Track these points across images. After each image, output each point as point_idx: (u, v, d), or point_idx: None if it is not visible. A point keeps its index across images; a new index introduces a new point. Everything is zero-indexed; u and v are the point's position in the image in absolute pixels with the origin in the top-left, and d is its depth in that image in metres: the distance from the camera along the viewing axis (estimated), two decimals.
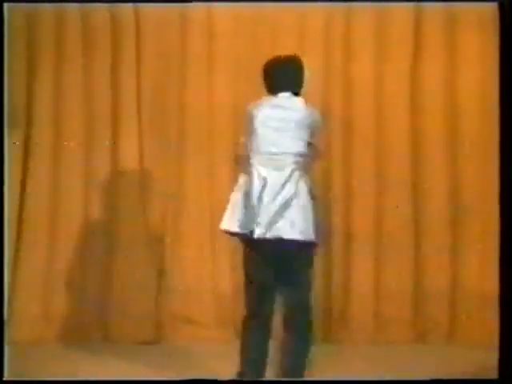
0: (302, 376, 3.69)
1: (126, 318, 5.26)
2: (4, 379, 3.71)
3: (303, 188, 3.62)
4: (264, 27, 5.34)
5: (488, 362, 3.85)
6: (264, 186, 3.57)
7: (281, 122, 3.64)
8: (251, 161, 3.65)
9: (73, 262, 5.30)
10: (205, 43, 5.35)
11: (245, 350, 3.70)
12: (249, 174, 3.64)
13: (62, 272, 5.29)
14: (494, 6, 4.64)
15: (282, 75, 3.76)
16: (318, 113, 3.83)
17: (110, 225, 5.34)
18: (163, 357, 4.91)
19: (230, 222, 3.66)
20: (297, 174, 3.62)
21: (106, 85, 5.33)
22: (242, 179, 3.70)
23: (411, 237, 5.41)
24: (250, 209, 3.59)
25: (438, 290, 5.36)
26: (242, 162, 3.74)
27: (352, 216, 5.39)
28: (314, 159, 3.79)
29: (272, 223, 3.55)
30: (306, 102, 3.76)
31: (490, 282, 4.98)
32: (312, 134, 3.71)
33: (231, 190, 5.37)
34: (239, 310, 3.95)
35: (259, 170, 3.61)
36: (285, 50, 5.23)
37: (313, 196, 3.66)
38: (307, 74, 3.81)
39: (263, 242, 3.57)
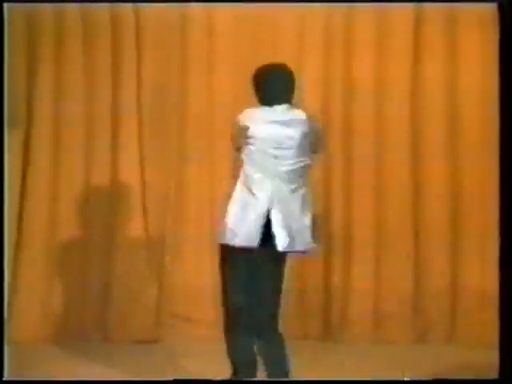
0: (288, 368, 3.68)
1: (125, 318, 5.26)
2: (4, 379, 3.71)
3: (307, 198, 3.61)
4: (264, 27, 5.34)
5: (488, 361, 3.86)
6: (271, 200, 3.54)
7: (283, 138, 3.55)
8: (250, 174, 3.56)
9: (73, 262, 5.30)
10: (205, 43, 5.35)
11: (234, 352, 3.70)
12: (248, 187, 3.56)
13: (62, 272, 5.30)
14: (494, 6, 4.65)
15: (278, 86, 3.63)
16: (317, 120, 3.80)
17: (110, 225, 5.34)
18: (163, 356, 4.91)
19: (233, 235, 3.54)
20: (301, 184, 3.59)
21: (106, 85, 5.33)
22: (239, 192, 3.59)
23: (411, 237, 5.41)
24: (255, 222, 3.54)
25: (437, 290, 5.36)
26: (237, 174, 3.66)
27: (352, 216, 5.39)
28: (314, 162, 3.76)
29: (288, 236, 3.53)
30: (304, 110, 3.64)
31: (490, 282, 4.98)
32: (313, 143, 3.64)
33: (231, 189, 5.39)
34: None
35: (261, 183, 3.55)
36: (285, 49, 5.28)
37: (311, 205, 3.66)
38: (297, 82, 3.70)
39: (252, 251, 3.54)
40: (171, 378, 4.06)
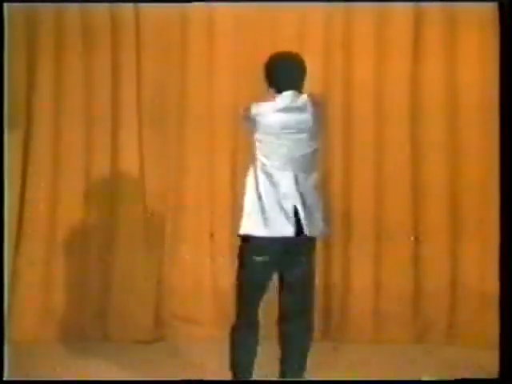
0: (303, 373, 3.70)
1: (125, 317, 5.26)
2: (4, 379, 3.71)
3: (318, 182, 3.66)
4: (264, 27, 5.33)
5: (488, 361, 3.86)
6: (291, 187, 3.57)
7: (295, 124, 3.59)
8: (265, 163, 3.58)
9: (72, 261, 5.30)
10: (205, 43, 5.35)
11: (237, 353, 3.71)
12: (268, 176, 3.57)
13: (62, 271, 5.30)
14: (494, 6, 4.65)
15: (290, 73, 3.69)
16: (320, 97, 3.84)
17: (110, 224, 5.34)
18: (163, 356, 4.91)
19: (255, 226, 3.55)
20: (314, 168, 3.64)
21: (106, 84, 5.33)
22: (259, 183, 3.58)
23: (411, 236, 5.41)
24: (286, 211, 3.56)
25: (437, 290, 5.36)
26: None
27: (352, 215, 5.39)
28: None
29: (311, 223, 3.58)
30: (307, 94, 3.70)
31: (490, 282, 4.98)
32: (321, 119, 3.69)
33: (231, 190, 5.39)
34: None
35: (278, 173, 3.57)
36: (285, 49, 5.27)
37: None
38: (307, 72, 3.76)
39: (274, 241, 3.54)
40: (171, 378, 4.07)
